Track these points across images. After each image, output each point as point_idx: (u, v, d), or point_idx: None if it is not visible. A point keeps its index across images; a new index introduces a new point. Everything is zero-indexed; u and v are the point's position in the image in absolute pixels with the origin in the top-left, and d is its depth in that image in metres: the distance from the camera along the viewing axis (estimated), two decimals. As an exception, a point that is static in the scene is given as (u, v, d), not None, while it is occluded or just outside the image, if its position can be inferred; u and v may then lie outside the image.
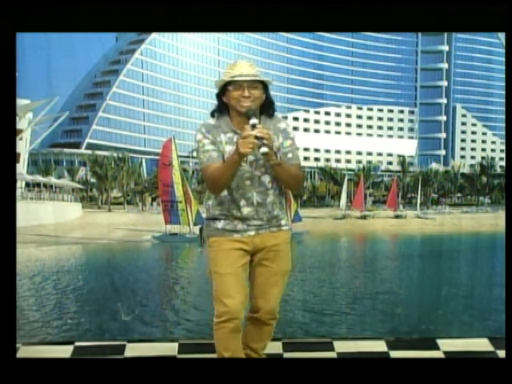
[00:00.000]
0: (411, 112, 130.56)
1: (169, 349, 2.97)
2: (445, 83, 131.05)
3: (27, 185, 47.76)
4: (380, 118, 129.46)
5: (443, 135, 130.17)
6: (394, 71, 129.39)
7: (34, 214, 38.39)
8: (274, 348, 2.85)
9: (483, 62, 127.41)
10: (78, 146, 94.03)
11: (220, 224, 2.53)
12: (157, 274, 21.58)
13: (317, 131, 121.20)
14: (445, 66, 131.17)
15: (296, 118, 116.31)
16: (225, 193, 2.47)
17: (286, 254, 2.60)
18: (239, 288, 2.48)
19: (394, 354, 2.91)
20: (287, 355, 2.80)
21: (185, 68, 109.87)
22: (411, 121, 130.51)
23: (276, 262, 2.55)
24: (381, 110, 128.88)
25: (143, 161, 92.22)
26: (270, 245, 2.54)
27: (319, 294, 14.59)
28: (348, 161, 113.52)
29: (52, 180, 55.59)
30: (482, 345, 3.01)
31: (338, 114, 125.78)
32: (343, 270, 21.57)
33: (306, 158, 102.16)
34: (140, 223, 46.22)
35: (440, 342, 3.05)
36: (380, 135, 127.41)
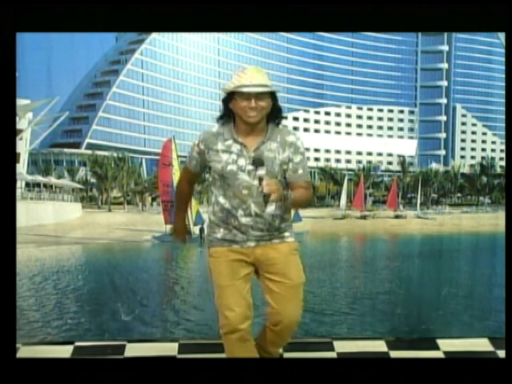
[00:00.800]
0: (411, 112, 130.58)
1: (169, 349, 2.97)
2: (445, 83, 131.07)
3: (27, 185, 47.77)
4: (380, 118, 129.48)
5: (443, 135, 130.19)
6: (394, 71, 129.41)
7: (34, 214, 38.41)
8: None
9: (483, 62, 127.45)
10: (77, 146, 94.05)
11: (219, 234, 2.48)
12: (157, 273, 21.58)
13: (317, 131, 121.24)
14: (445, 66, 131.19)
15: (296, 118, 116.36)
16: (223, 200, 2.44)
17: (294, 265, 2.50)
18: (240, 300, 2.43)
19: (394, 353, 2.91)
20: (287, 355, 2.80)
21: (185, 68, 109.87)
22: (411, 121, 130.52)
23: (286, 276, 2.46)
24: (381, 110, 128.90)
25: (143, 161, 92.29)
26: (272, 257, 2.46)
27: (319, 294, 14.57)
28: (348, 161, 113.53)
29: (52, 180, 55.60)
30: (482, 345, 3.01)
31: (338, 114, 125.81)
32: (343, 269, 21.57)
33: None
34: (140, 223, 46.22)
35: (440, 342, 3.05)
36: (380, 135, 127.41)
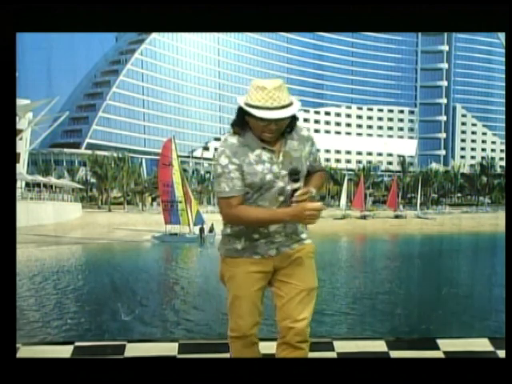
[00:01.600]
0: (411, 112, 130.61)
1: (169, 349, 2.97)
2: (445, 83, 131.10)
3: (27, 185, 47.77)
4: (380, 118, 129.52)
5: (443, 135, 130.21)
6: (394, 71, 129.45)
7: (34, 214, 38.40)
8: (274, 348, 2.84)
9: (483, 62, 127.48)
10: (77, 146, 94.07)
11: (240, 245, 2.38)
12: (157, 274, 21.59)
13: (317, 131, 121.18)
14: (445, 66, 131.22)
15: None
16: None
17: (309, 268, 2.43)
18: (253, 310, 2.41)
19: (394, 353, 2.91)
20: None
21: (185, 68, 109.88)
22: (411, 121, 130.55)
23: (300, 279, 2.39)
24: (381, 110, 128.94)
25: (143, 161, 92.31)
26: (292, 259, 2.40)
27: (319, 294, 14.48)
28: (348, 161, 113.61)
29: (52, 180, 55.60)
30: (482, 345, 3.01)
31: (338, 114, 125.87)
32: (343, 270, 21.56)
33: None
34: (140, 223, 46.23)
35: (440, 342, 3.05)
36: (380, 135, 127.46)
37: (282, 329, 2.39)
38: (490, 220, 54.60)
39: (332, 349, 2.93)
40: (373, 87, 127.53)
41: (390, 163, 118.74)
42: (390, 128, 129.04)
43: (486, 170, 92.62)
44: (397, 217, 65.99)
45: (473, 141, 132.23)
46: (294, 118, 2.32)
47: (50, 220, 41.57)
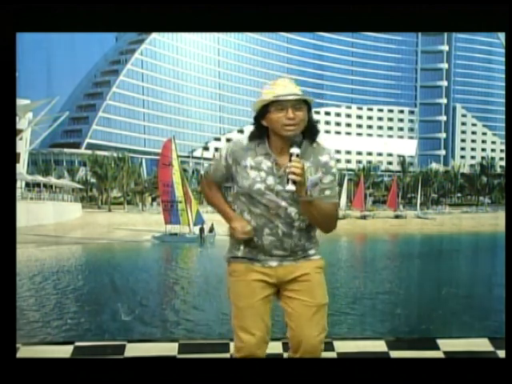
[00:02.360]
0: (411, 112, 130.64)
1: (169, 349, 2.97)
2: (445, 83, 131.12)
3: (27, 185, 47.78)
4: (380, 118, 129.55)
5: (443, 135, 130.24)
6: (394, 71, 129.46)
7: (34, 214, 38.39)
8: (274, 348, 2.84)
9: (483, 62, 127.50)
10: (77, 146, 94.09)
11: (240, 251, 2.33)
12: (157, 273, 21.59)
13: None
14: (445, 66, 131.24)
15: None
16: (247, 217, 2.28)
17: (318, 284, 2.34)
18: (258, 323, 2.28)
19: (394, 353, 2.91)
20: (287, 355, 2.80)
21: (185, 68, 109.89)
22: (411, 121, 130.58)
23: (308, 294, 2.30)
24: (381, 110, 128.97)
25: (143, 161, 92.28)
26: (296, 275, 2.30)
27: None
28: (348, 161, 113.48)
29: (52, 180, 55.61)
30: (482, 345, 3.02)
31: (338, 114, 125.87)
32: (343, 270, 21.55)
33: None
34: (140, 223, 46.24)
35: (440, 342, 3.05)
36: (380, 135, 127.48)
37: (292, 345, 2.34)
38: (490, 220, 54.59)
39: (332, 349, 2.93)
40: (373, 87, 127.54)
41: (390, 163, 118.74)
42: (390, 128, 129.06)
43: (486, 169, 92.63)
44: (397, 217, 65.97)
45: (473, 141, 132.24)
46: (315, 126, 2.25)
47: (50, 220, 41.56)
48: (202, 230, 33.93)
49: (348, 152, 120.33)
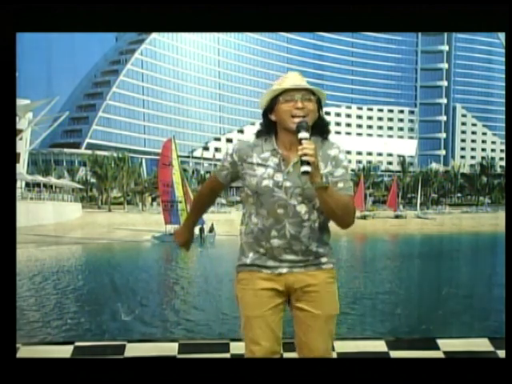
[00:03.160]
0: (411, 112, 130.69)
1: (169, 349, 2.97)
2: (445, 83, 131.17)
3: (27, 185, 47.80)
4: (380, 118, 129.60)
5: (443, 135, 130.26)
6: (394, 71, 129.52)
7: (34, 213, 38.40)
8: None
9: (483, 62, 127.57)
10: (77, 146, 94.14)
11: (248, 258, 2.26)
12: (157, 273, 21.58)
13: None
14: (445, 66, 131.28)
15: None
16: (255, 220, 2.22)
17: (328, 294, 2.26)
18: (268, 333, 2.21)
19: (394, 353, 2.91)
20: (287, 355, 2.80)
21: (185, 68, 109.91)
22: (411, 121, 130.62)
23: (317, 306, 2.23)
24: (381, 110, 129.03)
25: (143, 161, 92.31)
26: (305, 284, 2.23)
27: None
28: (348, 161, 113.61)
29: (52, 180, 55.62)
30: (482, 345, 3.02)
31: (338, 114, 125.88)
32: (343, 270, 21.53)
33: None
34: (140, 223, 46.22)
35: (440, 342, 3.05)
36: (380, 135, 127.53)
37: (300, 351, 2.31)
38: (490, 220, 54.59)
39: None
40: (373, 87, 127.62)
41: (390, 163, 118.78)
42: (390, 128, 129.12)
43: (486, 169, 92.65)
44: (397, 217, 65.96)
45: (473, 141, 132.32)
46: (325, 123, 2.25)
47: (50, 220, 41.57)
48: (202, 230, 33.91)
49: (348, 152, 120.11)
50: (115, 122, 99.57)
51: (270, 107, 2.19)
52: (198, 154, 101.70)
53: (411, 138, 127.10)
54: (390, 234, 46.76)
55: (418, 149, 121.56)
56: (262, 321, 2.21)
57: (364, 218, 63.24)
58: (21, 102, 43.55)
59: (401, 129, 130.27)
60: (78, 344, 3.01)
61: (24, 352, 2.88)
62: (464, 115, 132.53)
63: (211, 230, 34.12)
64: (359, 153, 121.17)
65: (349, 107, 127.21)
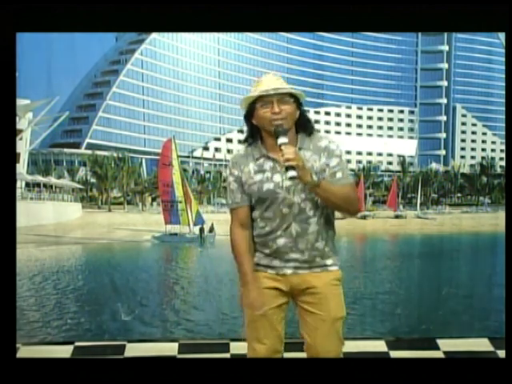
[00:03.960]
0: (411, 112, 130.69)
1: (169, 349, 2.97)
2: (445, 83, 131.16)
3: (27, 185, 47.78)
4: (380, 118, 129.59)
5: (443, 135, 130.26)
6: (394, 71, 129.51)
7: (34, 214, 38.39)
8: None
9: (483, 62, 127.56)
10: (77, 146, 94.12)
11: (255, 258, 2.27)
12: (157, 273, 21.58)
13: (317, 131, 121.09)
14: (445, 66, 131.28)
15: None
16: (262, 224, 2.22)
17: (334, 297, 2.26)
18: (270, 332, 2.24)
19: (394, 353, 2.91)
20: (287, 355, 2.80)
21: (185, 68, 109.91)
22: (411, 121, 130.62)
23: (323, 308, 2.23)
24: (381, 110, 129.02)
25: (143, 161, 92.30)
26: (311, 286, 2.23)
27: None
28: (348, 161, 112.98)
29: (52, 180, 55.60)
30: (482, 345, 3.02)
31: (338, 114, 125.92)
32: (343, 270, 21.53)
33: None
34: (140, 223, 46.22)
35: (440, 342, 3.05)
36: (380, 135, 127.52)
37: (308, 355, 2.32)
38: (490, 220, 54.58)
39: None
40: (373, 87, 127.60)
41: (390, 163, 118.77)
42: (390, 128, 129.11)
43: (486, 169, 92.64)
44: (397, 217, 65.95)
45: (473, 141, 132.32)
46: (307, 119, 2.23)
47: (50, 220, 41.56)
48: (202, 229, 33.93)
49: (348, 152, 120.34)
50: (115, 122, 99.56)
51: (250, 112, 2.19)
52: (198, 154, 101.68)
53: (411, 138, 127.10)
54: (390, 234, 46.76)
55: (417, 149, 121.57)
56: (265, 319, 2.22)
57: (364, 217, 63.22)
58: (21, 102, 43.54)
59: (401, 129, 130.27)
60: (77, 344, 3.01)
61: (24, 352, 2.88)
62: (464, 115, 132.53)
63: (211, 229, 34.13)
64: (359, 153, 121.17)
65: (349, 107, 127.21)
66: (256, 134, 2.23)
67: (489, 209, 79.58)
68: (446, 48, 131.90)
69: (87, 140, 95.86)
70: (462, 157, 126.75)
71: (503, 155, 74.63)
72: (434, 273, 20.93)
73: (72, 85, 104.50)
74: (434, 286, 17.37)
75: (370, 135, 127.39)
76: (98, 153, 75.92)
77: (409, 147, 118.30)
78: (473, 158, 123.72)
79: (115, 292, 15.86)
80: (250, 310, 2.23)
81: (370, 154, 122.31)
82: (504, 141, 2.52)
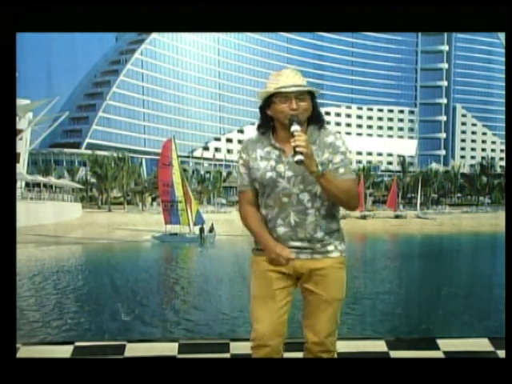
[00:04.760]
0: (411, 112, 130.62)
1: (169, 349, 2.97)
2: (445, 83, 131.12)
3: (27, 185, 47.76)
4: (380, 118, 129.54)
5: (443, 135, 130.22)
6: (394, 71, 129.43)
7: (34, 214, 38.38)
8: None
9: (483, 62, 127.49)
10: (77, 146, 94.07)
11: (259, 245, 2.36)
12: (157, 273, 21.58)
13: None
14: (445, 66, 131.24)
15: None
16: (264, 212, 2.31)
17: (335, 279, 2.33)
18: (272, 313, 2.29)
19: (394, 353, 2.92)
20: (287, 355, 2.80)
21: (185, 68, 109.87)
22: (411, 121, 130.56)
23: (323, 288, 2.30)
24: (381, 110, 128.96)
25: (143, 161, 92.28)
26: (313, 268, 2.29)
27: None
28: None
29: (52, 180, 55.59)
30: (482, 345, 3.02)
31: (338, 114, 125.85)
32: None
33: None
34: (140, 223, 46.20)
35: (440, 342, 3.06)
36: (380, 135, 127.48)
37: (306, 335, 2.39)
38: (490, 220, 54.53)
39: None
40: (373, 87, 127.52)
41: (390, 163, 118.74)
42: (390, 128, 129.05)
43: (486, 169, 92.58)
44: (397, 217, 65.91)
45: (473, 141, 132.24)
46: (319, 114, 2.35)
47: (49, 220, 41.53)
48: (202, 229, 33.92)
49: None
50: (115, 122, 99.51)
51: (267, 104, 2.27)
52: (198, 154, 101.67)
53: (411, 138, 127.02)
54: (390, 234, 46.76)
55: (417, 149, 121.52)
56: (267, 300, 2.30)
57: (364, 217, 63.20)
58: (21, 102, 43.53)
59: (401, 129, 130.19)
60: (77, 344, 3.01)
61: (24, 352, 2.88)
62: (464, 115, 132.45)
63: (211, 229, 34.13)
64: (359, 153, 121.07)
65: (349, 107, 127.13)
66: (269, 124, 2.31)
67: (489, 209, 79.54)
68: (446, 48, 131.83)
69: (87, 140, 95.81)
70: (462, 157, 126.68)
71: (503, 155, 74.65)
72: (434, 273, 20.93)
73: (72, 85, 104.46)
74: (434, 285, 17.36)
75: (370, 135, 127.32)
76: (98, 153, 75.86)
77: (409, 147, 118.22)
78: (473, 158, 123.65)
79: (115, 292, 15.86)
80: (278, 264, 2.26)
81: (369, 153, 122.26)
82: (504, 141, 2.53)
